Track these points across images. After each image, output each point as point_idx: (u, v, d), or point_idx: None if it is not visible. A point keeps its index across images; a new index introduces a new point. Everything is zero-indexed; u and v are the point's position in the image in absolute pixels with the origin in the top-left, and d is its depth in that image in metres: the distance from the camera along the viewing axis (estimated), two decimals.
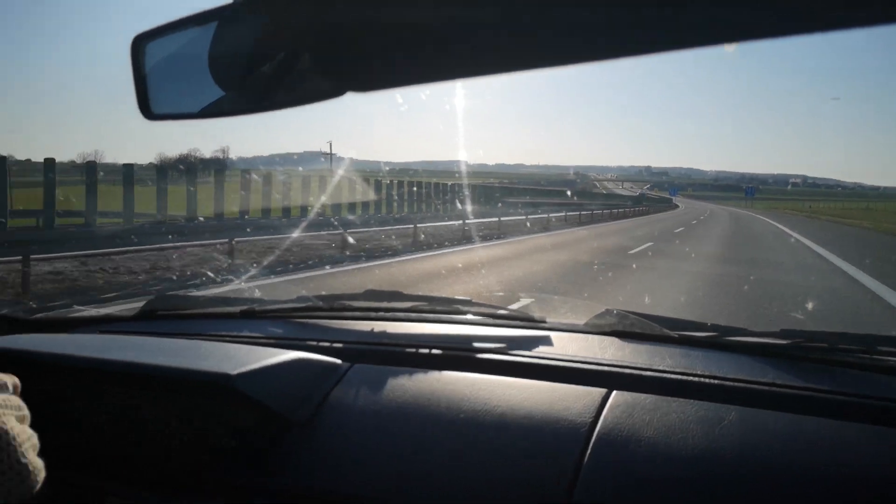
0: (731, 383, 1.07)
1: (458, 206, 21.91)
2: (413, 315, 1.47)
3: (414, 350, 1.26)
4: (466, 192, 24.94)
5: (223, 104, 0.61)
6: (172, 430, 1.07)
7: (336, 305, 1.53)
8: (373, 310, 1.51)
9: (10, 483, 0.65)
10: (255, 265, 10.00)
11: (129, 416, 1.11)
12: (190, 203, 13.73)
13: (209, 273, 8.83)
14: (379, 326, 1.41)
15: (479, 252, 13.60)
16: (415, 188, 22.25)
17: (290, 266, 10.18)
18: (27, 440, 0.70)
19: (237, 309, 1.58)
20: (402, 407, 1.07)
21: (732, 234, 21.10)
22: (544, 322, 1.39)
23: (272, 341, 1.34)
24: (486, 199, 28.10)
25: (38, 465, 0.69)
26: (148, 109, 0.68)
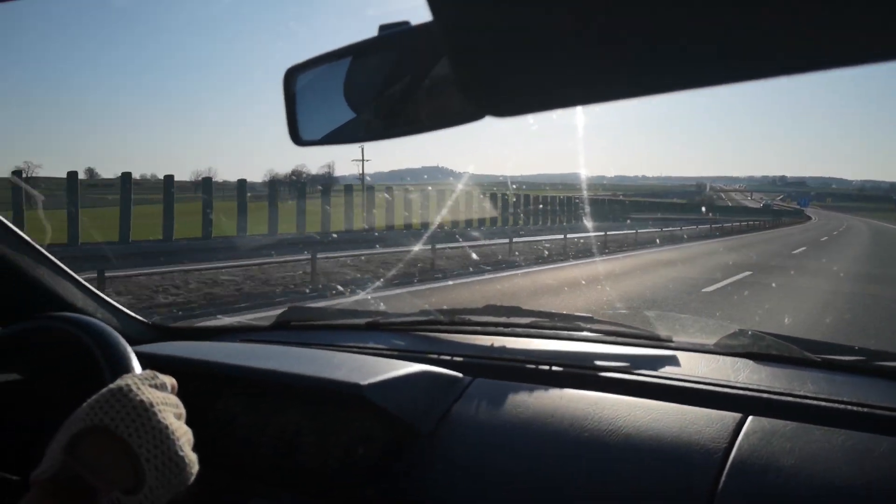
0: (882, 412, 0.98)
1: (577, 219, 21.55)
2: (533, 331, 1.47)
3: (534, 366, 1.25)
4: (585, 205, 24.45)
5: (366, 130, 0.64)
6: (304, 435, 1.13)
7: (456, 319, 1.56)
8: (492, 324, 1.52)
9: (170, 473, 0.71)
10: (379, 277, 10.35)
11: (266, 420, 1.18)
12: (319, 218, 14.35)
13: (338, 286, 9.24)
14: (499, 341, 1.41)
15: (601, 266, 13.28)
16: (538, 203, 22.10)
17: (414, 278, 10.43)
18: (183, 435, 0.76)
19: (363, 321, 1.64)
20: (525, 423, 1.07)
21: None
22: (670, 341, 1.34)
23: (396, 353, 1.38)
24: (606, 213, 27.41)
25: (192, 458, 0.75)
26: (297, 136, 0.73)
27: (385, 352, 1.40)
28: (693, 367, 1.20)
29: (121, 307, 1.55)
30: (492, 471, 1.02)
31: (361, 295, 8.62)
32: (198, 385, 0.96)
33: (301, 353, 1.36)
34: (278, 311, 1.77)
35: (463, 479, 1.02)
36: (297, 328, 1.69)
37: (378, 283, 9.78)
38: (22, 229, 1.33)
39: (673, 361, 1.24)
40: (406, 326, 1.59)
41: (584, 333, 1.43)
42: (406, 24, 0.57)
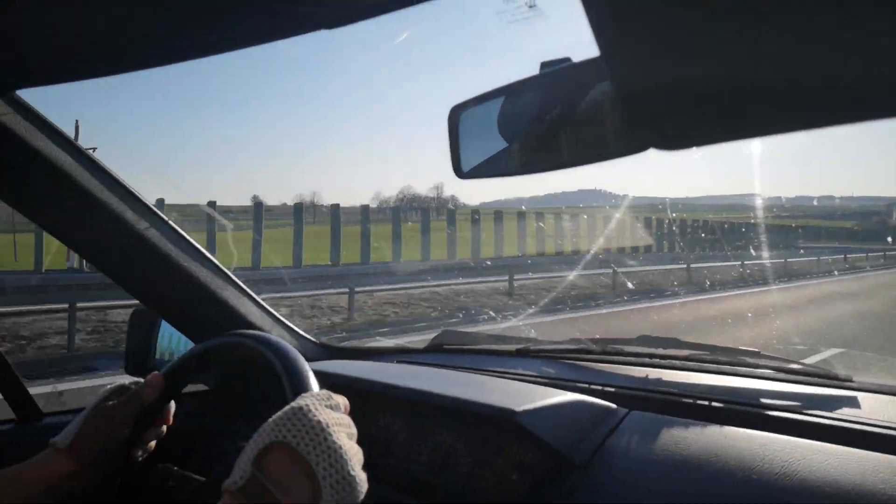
0: None
1: (746, 246, 20.11)
2: (691, 364, 1.40)
3: (691, 401, 1.20)
4: (755, 231, 22.73)
5: (527, 162, 0.67)
6: (458, 456, 1.16)
7: (609, 349, 1.52)
8: (647, 356, 1.47)
9: (343, 492, 0.75)
10: (530, 305, 10.32)
11: (421, 439, 1.23)
12: (451, 245, 14.56)
13: (490, 312, 9.34)
14: (654, 374, 1.36)
15: (771, 297, 12.29)
16: (699, 229, 20.91)
17: (566, 306, 10.29)
18: (355, 455, 0.79)
19: (513, 347, 1.65)
20: (686, 460, 1.02)
21: None
22: (850, 381, 1.22)
23: (545, 381, 1.38)
24: (776, 240, 25.22)
25: (363, 478, 0.79)
26: (459, 169, 0.77)
27: (535, 379, 1.40)
28: (877, 410, 1.09)
29: (293, 326, 1.68)
30: None
31: (513, 321, 8.63)
32: (359, 402, 1.02)
33: (455, 376, 1.40)
34: (428, 335, 1.83)
35: None
36: (449, 351, 1.74)
37: (529, 310, 9.75)
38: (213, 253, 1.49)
39: (852, 403, 1.13)
40: (556, 354, 1.59)
41: (750, 369, 1.34)
42: (567, 60, 0.59)
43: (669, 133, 0.38)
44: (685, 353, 1.43)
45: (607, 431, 1.13)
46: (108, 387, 1.08)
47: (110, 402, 1.04)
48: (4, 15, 0.87)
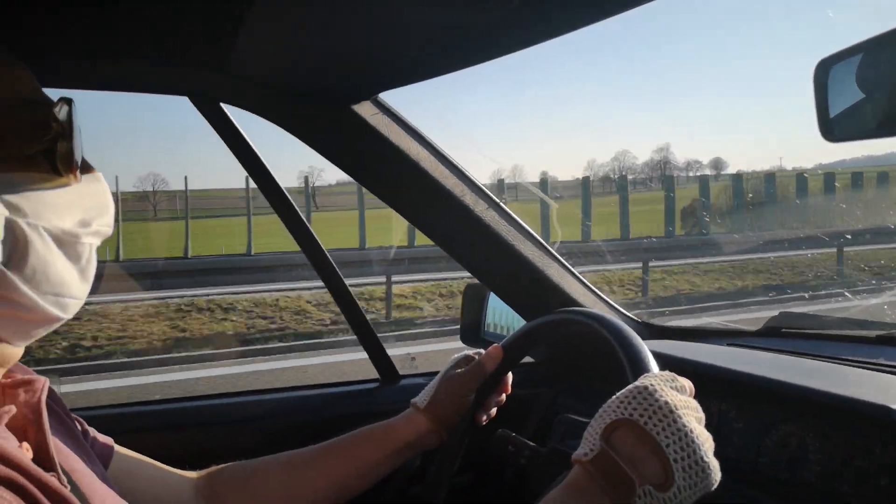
0: None
1: None
2: None
3: None
4: None
5: None
6: (810, 452, 1.04)
7: None
8: None
9: (696, 477, 0.73)
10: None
11: (764, 430, 1.13)
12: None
13: (846, 292, 8.16)
14: None
15: None
16: None
17: None
18: (706, 441, 0.76)
19: (872, 333, 1.42)
20: None
21: None
22: None
23: None
24: None
25: (715, 464, 0.75)
26: (829, 131, 0.69)
27: None
28: None
29: (615, 304, 1.69)
30: None
31: (873, 300, 7.39)
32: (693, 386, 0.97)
33: (801, 364, 1.26)
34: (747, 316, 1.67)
35: None
36: (788, 335, 1.57)
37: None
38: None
39: None
40: None
41: None
42: None
43: None
44: None
45: None
46: (456, 356, 1.22)
47: (459, 370, 1.17)
48: (375, 36, 1.05)
